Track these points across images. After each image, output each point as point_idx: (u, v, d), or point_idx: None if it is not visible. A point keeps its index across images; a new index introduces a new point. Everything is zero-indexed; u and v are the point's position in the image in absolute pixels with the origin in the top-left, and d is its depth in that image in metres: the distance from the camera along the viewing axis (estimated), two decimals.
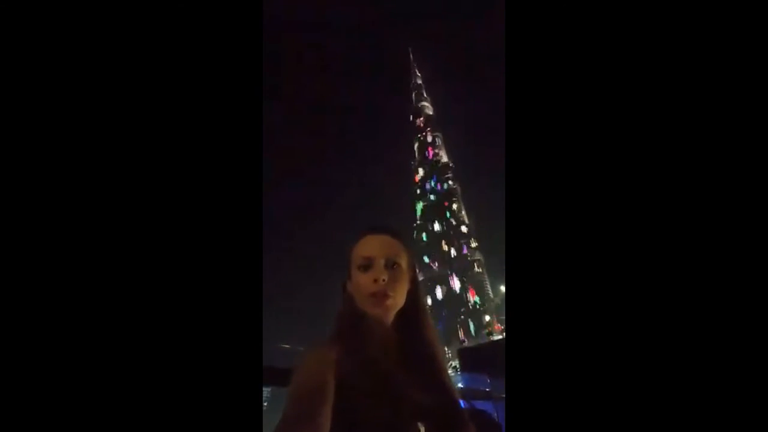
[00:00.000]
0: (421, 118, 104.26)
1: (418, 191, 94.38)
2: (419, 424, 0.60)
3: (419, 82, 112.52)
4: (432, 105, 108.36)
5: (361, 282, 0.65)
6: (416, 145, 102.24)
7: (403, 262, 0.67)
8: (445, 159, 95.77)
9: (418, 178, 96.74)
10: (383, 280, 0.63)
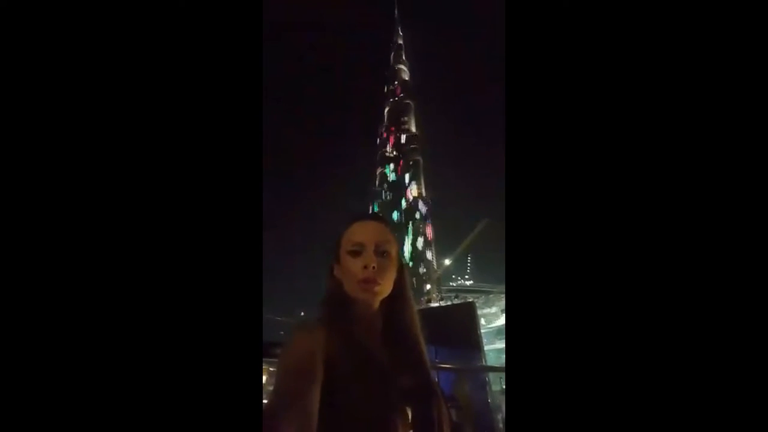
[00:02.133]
0: (396, 82, 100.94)
1: (382, 158, 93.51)
2: (406, 406, 0.62)
3: (399, 42, 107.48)
4: (409, 70, 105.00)
5: (351, 267, 0.66)
6: (386, 110, 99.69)
7: (393, 251, 0.68)
8: (413, 129, 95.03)
9: (385, 147, 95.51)
10: (373, 267, 0.64)
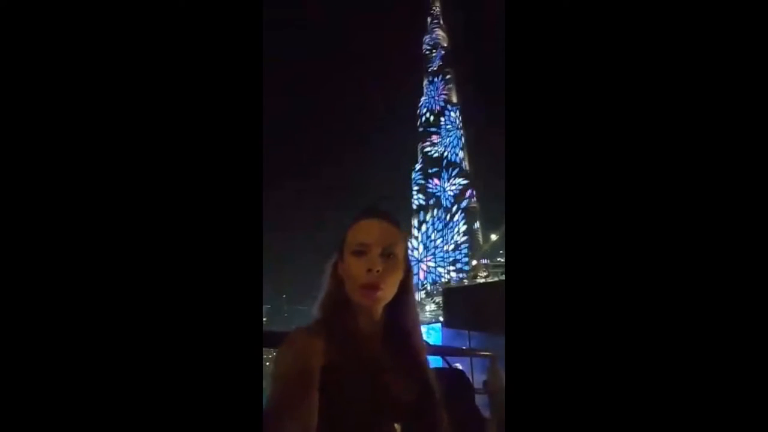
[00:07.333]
0: (435, 51, 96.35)
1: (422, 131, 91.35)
2: (396, 424, 0.60)
3: (437, 11, 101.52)
4: (448, 38, 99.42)
5: (354, 268, 0.62)
6: (425, 81, 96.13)
7: (399, 252, 0.65)
8: (454, 99, 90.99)
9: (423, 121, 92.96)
10: (377, 271, 0.61)
